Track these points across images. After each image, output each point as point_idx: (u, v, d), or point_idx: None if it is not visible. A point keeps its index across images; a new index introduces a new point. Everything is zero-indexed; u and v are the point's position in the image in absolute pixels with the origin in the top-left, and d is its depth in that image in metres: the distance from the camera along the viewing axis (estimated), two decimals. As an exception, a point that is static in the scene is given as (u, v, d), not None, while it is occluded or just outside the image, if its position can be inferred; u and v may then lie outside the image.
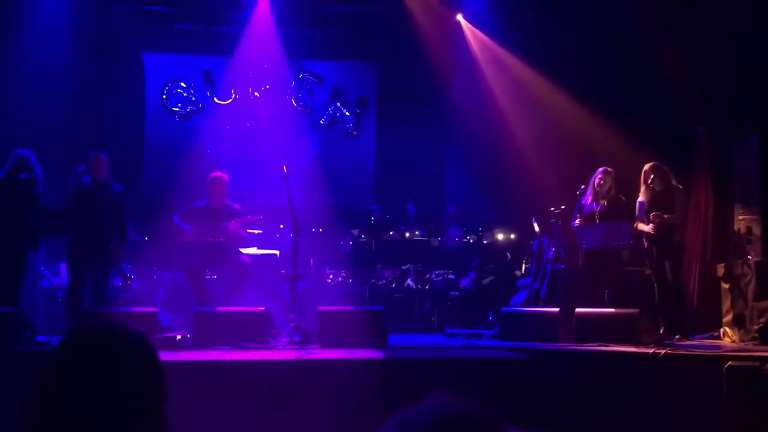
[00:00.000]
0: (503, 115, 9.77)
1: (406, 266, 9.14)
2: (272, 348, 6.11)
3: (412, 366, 5.46)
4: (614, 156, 7.84)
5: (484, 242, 9.35)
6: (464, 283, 8.76)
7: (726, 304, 6.75)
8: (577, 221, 7.11)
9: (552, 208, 7.61)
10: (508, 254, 9.22)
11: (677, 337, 6.46)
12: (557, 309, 6.74)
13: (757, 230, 7.19)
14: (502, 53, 9.89)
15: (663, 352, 5.58)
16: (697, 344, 6.35)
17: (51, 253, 8.22)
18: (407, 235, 9.60)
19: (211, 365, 5.32)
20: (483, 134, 10.03)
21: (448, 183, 11.32)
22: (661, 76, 7.93)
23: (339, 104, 11.02)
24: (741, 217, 7.39)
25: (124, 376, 1.22)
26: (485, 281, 8.71)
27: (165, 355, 5.32)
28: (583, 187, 7.19)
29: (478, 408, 1.04)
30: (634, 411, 5.34)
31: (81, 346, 1.23)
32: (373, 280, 8.97)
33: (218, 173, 7.71)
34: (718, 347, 6.14)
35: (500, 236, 9.45)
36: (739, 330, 6.55)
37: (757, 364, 5.16)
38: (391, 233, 9.55)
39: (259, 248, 8.43)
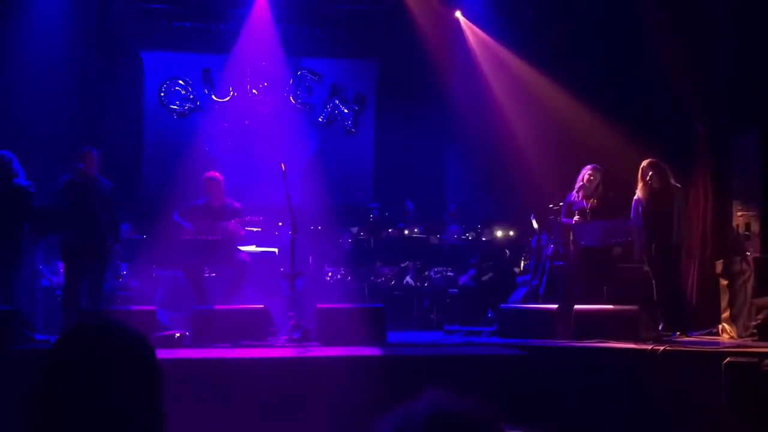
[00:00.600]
0: (502, 113, 9.78)
1: (405, 264, 9.15)
2: (271, 346, 6.11)
3: (412, 363, 5.46)
4: (613, 153, 7.85)
5: (483, 239, 9.36)
6: (463, 280, 8.77)
7: (724, 301, 6.75)
8: (576, 218, 7.13)
9: (551, 205, 7.61)
10: (507, 251, 9.22)
11: (677, 333, 6.47)
12: (556, 306, 6.74)
13: (755, 227, 7.20)
14: (501, 50, 9.89)
15: (661, 348, 5.59)
16: (696, 340, 6.36)
17: (49, 252, 8.21)
18: (406, 232, 9.61)
19: (211, 363, 5.32)
20: (482, 131, 10.03)
21: (447, 180, 11.33)
22: (660, 73, 7.93)
23: (337, 102, 11.02)
24: (740, 214, 7.39)
25: (121, 375, 1.22)
26: (484, 278, 8.72)
27: (164, 354, 5.35)
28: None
29: (474, 405, 1.04)
30: (632, 407, 5.35)
31: (78, 345, 1.23)
32: (372, 278, 8.98)
33: (211, 173, 7.68)
34: (717, 343, 6.15)
35: (499, 233, 9.45)
36: (737, 326, 6.56)
37: (755, 360, 5.17)
38: (390, 231, 9.56)
39: (257, 246, 8.44)
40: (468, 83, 10.29)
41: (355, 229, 9.63)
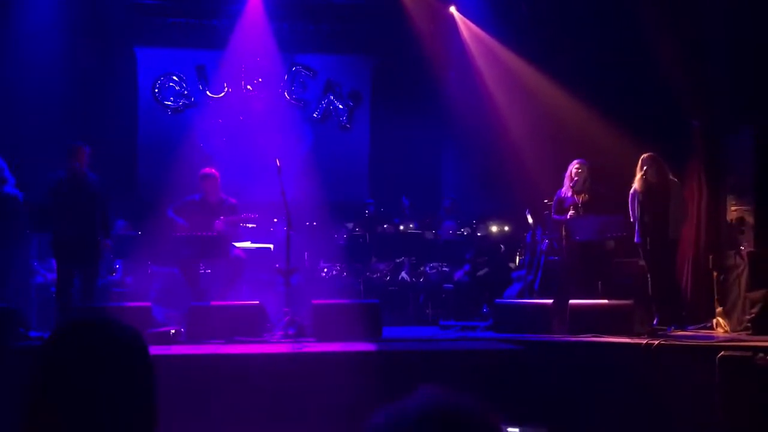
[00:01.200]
0: (497, 108, 9.77)
1: (401, 259, 9.15)
2: (267, 342, 6.11)
3: (407, 359, 5.47)
4: (608, 148, 7.86)
5: (478, 235, 9.37)
6: (458, 275, 8.78)
7: (718, 295, 6.78)
8: (570, 213, 7.15)
9: (545, 201, 7.62)
10: (502, 246, 9.23)
11: (672, 327, 6.49)
12: (551, 301, 6.76)
13: (749, 221, 7.22)
14: (496, 46, 9.88)
15: (656, 342, 5.61)
16: (690, 335, 6.38)
17: (43, 249, 8.19)
18: (402, 228, 9.61)
19: (206, 359, 5.33)
20: (477, 127, 10.03)
21: (442, 176, 11.33)
22: (655, 68, 7.93)
23: (332, 97, 11.00)
24: (734, 208, 7.41)
25: (115, 369, 1.22)
26: (479, 273, 8.73)
27: (159, 350, 5.35)
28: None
29: (469, 400, 1.05)
30: (627, 401, 5.37)
31: (70, 341, 1.23)
32: (367, 274, 8.98)
33: (208, 170, 7.66)
34: (711, 337, 6.17)
35: (494, 228, 9.46)
36: (731, 320, 6.59)
37: (749, 353, 5.20)
38: (385, 226, 9.56)
39: (253, 242, 8.43)
40: (463, 79, 10.28)
41: (350, 225, 9.62)
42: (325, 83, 10.98)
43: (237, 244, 7.72)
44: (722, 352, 5.24)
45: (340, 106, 11.02)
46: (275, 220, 8.74)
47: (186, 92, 10.68)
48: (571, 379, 5.50)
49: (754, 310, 6.36)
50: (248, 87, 10.78)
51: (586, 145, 8.04)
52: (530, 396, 5.11)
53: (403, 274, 9.07)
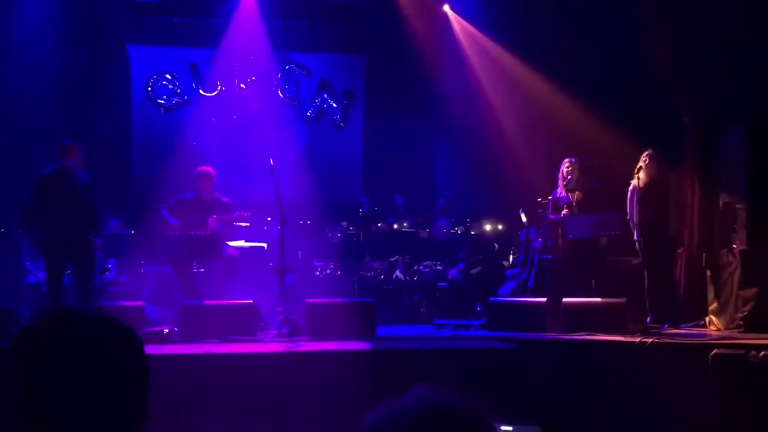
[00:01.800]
0: (491, 107, 9.79)
1: (395, 258, 9.15)
2: (260, 341, 6.10)
3: (401, 357, 5.47)
4: (602, 147, 7.88)
5: (472, 233, 9.38)
6: (452, 274, 8.78)
7: (711, 293, 6.80)
8: (564, 212, 7.16)
9: (539, 199, 7.64)
10: (495, 245, 9.25)
11: (665, 325, 6.51)
12: (545, 299, 6.77)
13: (741, 219, 7.24)
14: (490, 44, 9.90)
15: (649, 340, 5.62)
16: (683, 333, 6.40)
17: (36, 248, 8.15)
18: (395, 226, 9.62)
19: (199, 359, 5.31)
20: (471, 126, 10.05)
21: (436, 174, 11.33)
22: (648, 66, 7.95)
23: (326, 96, 10.99)
24: (726, 206, 7.43)
25: (107, 364, 1.21)
26: (473, 272, 8.74)
27: (153, 349, 5.32)
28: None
29: (463, 398, 1.04)
30: (621, 399, 5.39)
31: (57, 334, 1.22)
32: (361, 272, 8.98)
33: (204, 168, 7.62)
34: (704, 335, 6.19)
35: (488, 227, 9.47)
36: (724, 318, 6.61)
37: (741, 351, 5.22)
38: (379, 225, 9.56)
39: (246, 241, 8.41)
40: (457, 77, 10.29)
41: (344, 224, 9.62)
42: (319, 82, 10.97)
43: (230, 243, 7.70)
44: (715, 350, 5.26)
45: (334, 105, 11.01)
46: (269, 218, 8.73)
47: (179, 90, 10.65)
48: (565, 378, 5.51)
49: (747, 308, 6.39)
50: (242, 85, 10.76)
51: (579, 143, 8.06)
52: (524, 394, 5.11)
53: (397, 272, 9.07)
